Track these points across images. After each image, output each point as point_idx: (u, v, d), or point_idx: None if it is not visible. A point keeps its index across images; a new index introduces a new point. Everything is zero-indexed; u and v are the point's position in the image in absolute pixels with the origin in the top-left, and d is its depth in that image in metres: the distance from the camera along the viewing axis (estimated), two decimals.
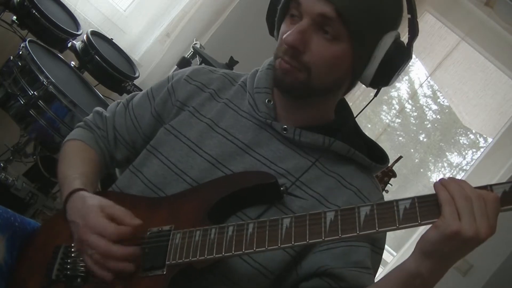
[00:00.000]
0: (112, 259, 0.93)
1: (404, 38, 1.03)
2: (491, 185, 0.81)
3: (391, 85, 1.07)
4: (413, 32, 1.02)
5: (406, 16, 1.03)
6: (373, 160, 1.09)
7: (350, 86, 1.09)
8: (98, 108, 1.29)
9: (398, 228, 0.82)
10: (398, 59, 1.00)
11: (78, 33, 2.51)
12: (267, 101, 1.09)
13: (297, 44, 0.97)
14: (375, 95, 1.11)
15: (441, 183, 0.82)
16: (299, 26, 0.97)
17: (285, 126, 1.06)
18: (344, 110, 1.16)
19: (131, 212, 1.01)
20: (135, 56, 3.03)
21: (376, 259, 1.05)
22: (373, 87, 1.07)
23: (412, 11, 1.02)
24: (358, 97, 3.09)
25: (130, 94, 1.30)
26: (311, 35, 0.98)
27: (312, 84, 1.01)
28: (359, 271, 0.99)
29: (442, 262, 0.82)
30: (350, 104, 1.18)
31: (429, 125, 3.73)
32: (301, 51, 0.98)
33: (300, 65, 1.00)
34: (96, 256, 0.94)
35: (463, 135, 3.71)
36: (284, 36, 0.98)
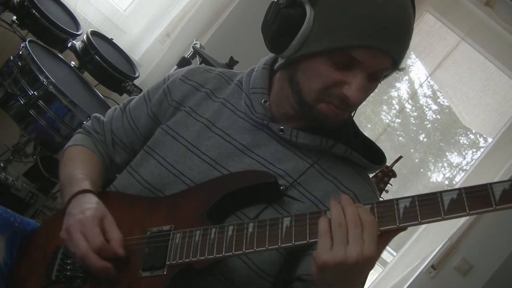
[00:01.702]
0: (87, 264, 0.94)
1: None
2: (490, 184, 0.81)
3: None
4: None
5: None
6: (370, 160, 1.09)
7: None
8: (96, 114, 1.30)
9: (398, 227, 0.82)
10: None
11: (78, 33, 2.51)
12: (263, 101, 1.09)
13: (360, 103, 1.00)
14: None
15: (332, 204, 0.84)
16: (361, 84, 0.96)
17: (282, 127, 1.06)
18: None
19: (132, 213, 1.01)
20: (135, 56, 3.03)
21: None
22: None
23: None
24: None
25: (127, 99, 1.30)
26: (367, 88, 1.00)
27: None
28: None
29: None
30: None
31: (429, 125, 3.73)
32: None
33: (350, 110, 1.04)
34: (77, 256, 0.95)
35: (463, 135, 3.71)
36: (349, 94, 0.96)
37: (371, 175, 1.15)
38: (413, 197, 0.82)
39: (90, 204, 1.02)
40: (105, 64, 2.42)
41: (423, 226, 0.87)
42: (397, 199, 0.83)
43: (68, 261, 1.03)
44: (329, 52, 0.96)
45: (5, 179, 2.01)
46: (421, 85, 3.60)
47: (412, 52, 3.33)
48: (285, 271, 1.02)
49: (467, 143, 3.72)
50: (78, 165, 1.16)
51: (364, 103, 1.10)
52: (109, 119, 1.25)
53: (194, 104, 1.15)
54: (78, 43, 2.45)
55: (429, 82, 3.53)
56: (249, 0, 3.10)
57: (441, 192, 0.81)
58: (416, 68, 3.59)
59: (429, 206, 0.81)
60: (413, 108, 3.71)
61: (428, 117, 3.72)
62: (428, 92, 3.69)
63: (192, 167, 1.07)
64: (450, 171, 3.70)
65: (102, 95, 2.40)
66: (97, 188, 1.13)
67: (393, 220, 0.82)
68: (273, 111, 1.09)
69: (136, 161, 1.15)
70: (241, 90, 1.15)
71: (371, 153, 1.11)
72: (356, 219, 0.80)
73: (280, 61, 1.09)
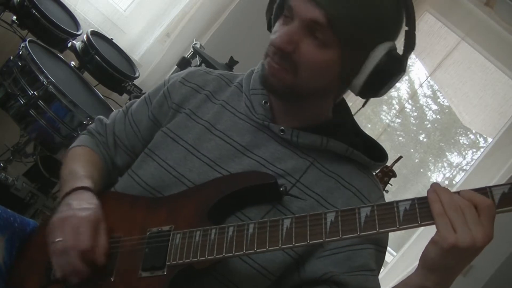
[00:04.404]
0: (66, 260, 0.95)
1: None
2: (490, 187, 0.81)
3: (379, 96, 1.06)
4: (409, 45, 1.00)
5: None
6: (372, 158, 1.09)
7: (341, 92, 1.09)
8: (100, 116, 1.31)
9: (398, 229, 0.82)
10: (389, 71, 0.98)
11: (78, 33, 2.51)
12: (264, 102, 1.09)
13: (283, 47, 0.97)
14: (363, 105, 1.11)
15: (435, 190, 0.82)
16: (288, 28, 0.97)
17: (282, 128, 1.06)
18: (343, 109, 1.15)
19: (132, 213, 1.02)
20: (135, 56, 3.03)
21: (381, 258, 1.05)
22: (362, 97, 1.06)
23: (410, 23, 0.99)
24: (358, 97, 3.09)
25: (130, 102, 1.30)
26: (301, 38, 0.97)
27: (298, 87, 1.01)
28: (363, 274, 0.99)
29: (446, 275, 0.83)
30: (349, 104, 1.18)
31: (429, 125, 3.73)
32: (289, 52, 0.97)
33: (288, 66, 0.99)
34: (58, 245, 0.96)
35: (463, 135, 3.71)
36: (273, 37, 0.98)
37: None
38: (413, 199, 0.83)
39: (90, 204, 1.02)
40: (105, 64, 2.42)
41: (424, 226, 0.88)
42: (397, 202, 0.83)
43: None
44: (280, 9, 1.01)
45: (5, 179, 2.01)
46: (421, 85, 3.60)
47: (412, 52, 3.32)
48: (297, 276, 1.01)
49: (467, 143, 3.72)
50: (80, 163, 1.16)
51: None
52: (112, 122, 1.26)
53: (194, 106, 1.15)
54: (78, 43, 2.45)
55: (429, 82, 3.54)
56: (249, 0, 3.10)
57: None
58: (416, 68, 3.59)
59: (429, 209, 0.81)
60: (413, 108, 3.71)
61: (428, 117, 3.72)
62: (428, 92, 3.70)
63: (192, 169, 1.07)
64: (450, 171, 3.70)
65: (102, 95, 2.40)
66: (98, 189, 1.13)
67: (393, 222, 0.82)
68: (274, 112, 1.09)
69: (137, 163, 1.15)
70: (241, 92, 1.15)
71: (373, 151, 1.11)
72: (469, 204, 0.79)
73: None
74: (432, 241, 0.80)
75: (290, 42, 0.97)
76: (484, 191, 0.80)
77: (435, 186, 0.83)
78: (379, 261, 1.04)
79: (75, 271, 0.95)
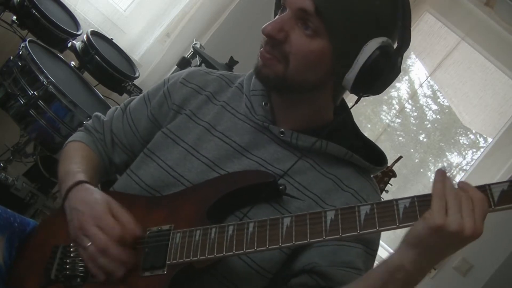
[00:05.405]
0: (108, 257, 0.93)
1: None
2: (489, 185, 0.81)
3: (375, 95, 1.03)
4: (403, 41, 0.98)
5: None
6: (371, 162, 1.08)
7: (338, 90, 1.06)
8: (97, 113, 1.30)
9: (398, 227, 0.82)
10: (381, 67, 0.96)
11: (78, 33, 2.51)
12: (264, 103, 1.09)
13: (273, 34, 0.97)
14: (355, 103, 1.08)
15: (443, 174, 0.82)
16: (280, 17, 0.98)
17: (282, 130, 1.06)
18: (343, 111, 1.14)
19: (131, 213, 1.01)
20: (135, 56, 3.03)
21: (369, 260, 1.04)
22: (356, 94, 1.03)
23: (405, 19, 0.97)
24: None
25: (128, 99, 1.30)
26: (292, 27, 0.97)
27: (289, 79, 1.00)
28: (347, 270, 0.98)
29: (425, 256, 0.82)
30: (349, 104, 1.17)
31: (429, 125, 3.73)
32: (279, 40, 0.98)
33: (279, 55, 0.99)
34: (91, 249, 0.94)
35: (463, 135, 3.71)
36: (263, 26, 0.98)
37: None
38: (412, 197, 0.83)
39: (92, 195, 1.02)
40: (105, 64, 2.42)
41: None
42: (397, 200, 0.83)
43: (68, 261, 1.03)
44: (278, 1, 1.02)
45: (5, 179, 2.01)
46: (421, 85, 3.60)
47: (412, 52, 3.34)
48: (286, 268, 1.01)
49: (467, 143, 3.72)
50: (74, 160, 1.16)
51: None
52: (110, 119, 1.25)
53: (195, 107, 1.15)
54: (78, 43, 2.45)
55: (429, 82, 3.53)
56: (249, 0, 3.10)
57: None
58: (416, 68, 3.58)
59: (429, 207, 0.81)
60: (413, 108, 3.70)
61: (428, 117, 3.72)
62: (428, 92, 3.69)
63: (191, 170, 1.07)
64: (450, 171, 3.70)
65: (102, 95, 2.40)
66: (94, 183, 1.12)
67: (392, 220, 0.82)
68: (274, 113, 1.09)
69: (136, 163, 1.15)
70: (242, 93, 1.15)
71: (372, 154, 1.11)
72: (468, 195, 0.79)
73: None
74: (422, 217, 0.80)
75: (280, 30, 0.97)
76: (483, 189, 0.80)
77: (445, 176, 0.83)
78: (368, 262, 1.03)
79: (123, 262, 0.93)
